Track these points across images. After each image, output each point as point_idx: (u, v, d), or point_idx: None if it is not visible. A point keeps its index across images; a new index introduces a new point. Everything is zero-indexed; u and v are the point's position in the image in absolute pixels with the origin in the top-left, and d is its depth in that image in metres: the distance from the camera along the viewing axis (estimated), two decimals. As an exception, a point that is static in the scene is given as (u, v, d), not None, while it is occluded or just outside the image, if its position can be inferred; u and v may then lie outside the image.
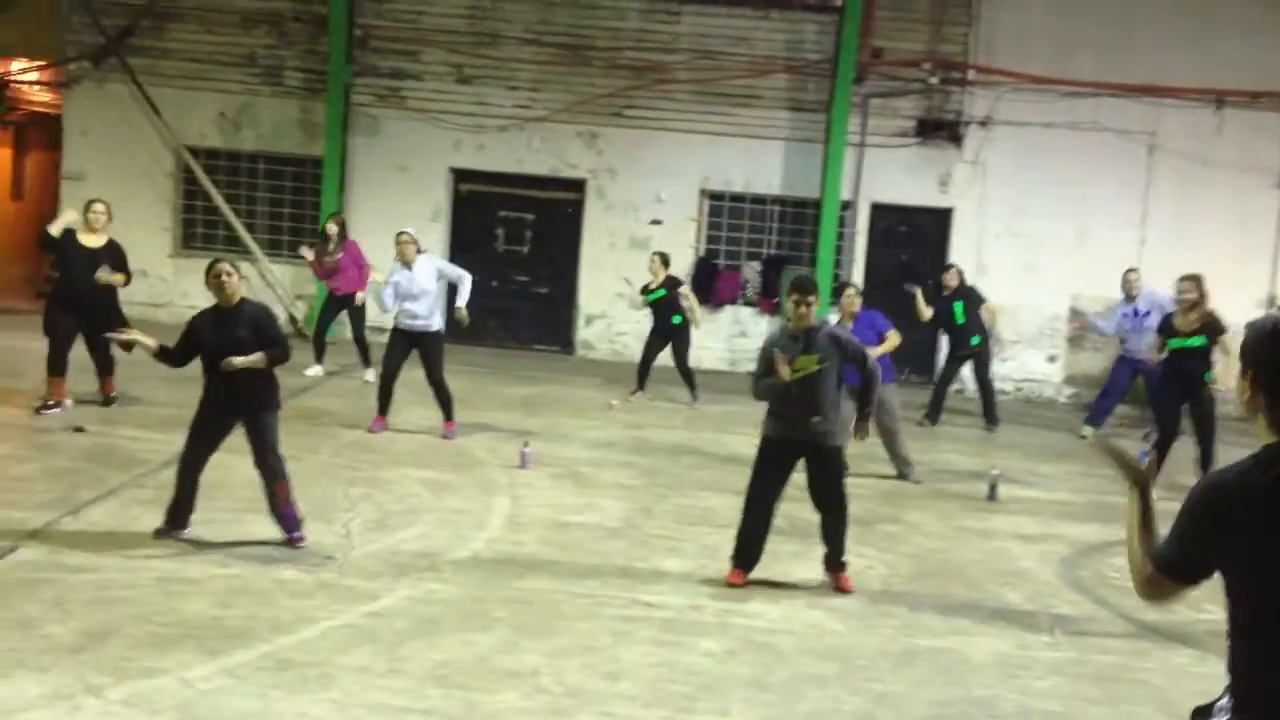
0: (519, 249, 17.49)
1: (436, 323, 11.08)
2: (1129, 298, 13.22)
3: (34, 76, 18.15)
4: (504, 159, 17.08)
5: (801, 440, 7.40)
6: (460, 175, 17.32)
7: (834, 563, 7.59)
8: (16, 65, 18.07)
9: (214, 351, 7.23)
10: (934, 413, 13.85)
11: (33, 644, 5.68)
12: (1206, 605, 7.23)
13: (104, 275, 10.66)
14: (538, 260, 17.50)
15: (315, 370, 13.63)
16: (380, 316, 13.25)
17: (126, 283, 11.00)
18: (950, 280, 13.75)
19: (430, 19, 16.93)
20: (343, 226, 13.96)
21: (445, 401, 11.12)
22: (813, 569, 7.73)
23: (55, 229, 10.79)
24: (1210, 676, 4.11)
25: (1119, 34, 16.11)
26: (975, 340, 13.71)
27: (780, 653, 6.44)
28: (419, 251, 11.19)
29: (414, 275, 10.96)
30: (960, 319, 13.64)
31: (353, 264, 13.65)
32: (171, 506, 7.46)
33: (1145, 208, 16.33)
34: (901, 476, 10.76)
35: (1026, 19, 16.29)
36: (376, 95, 17.03)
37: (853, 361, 7.50)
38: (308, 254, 13.80)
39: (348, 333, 13.97)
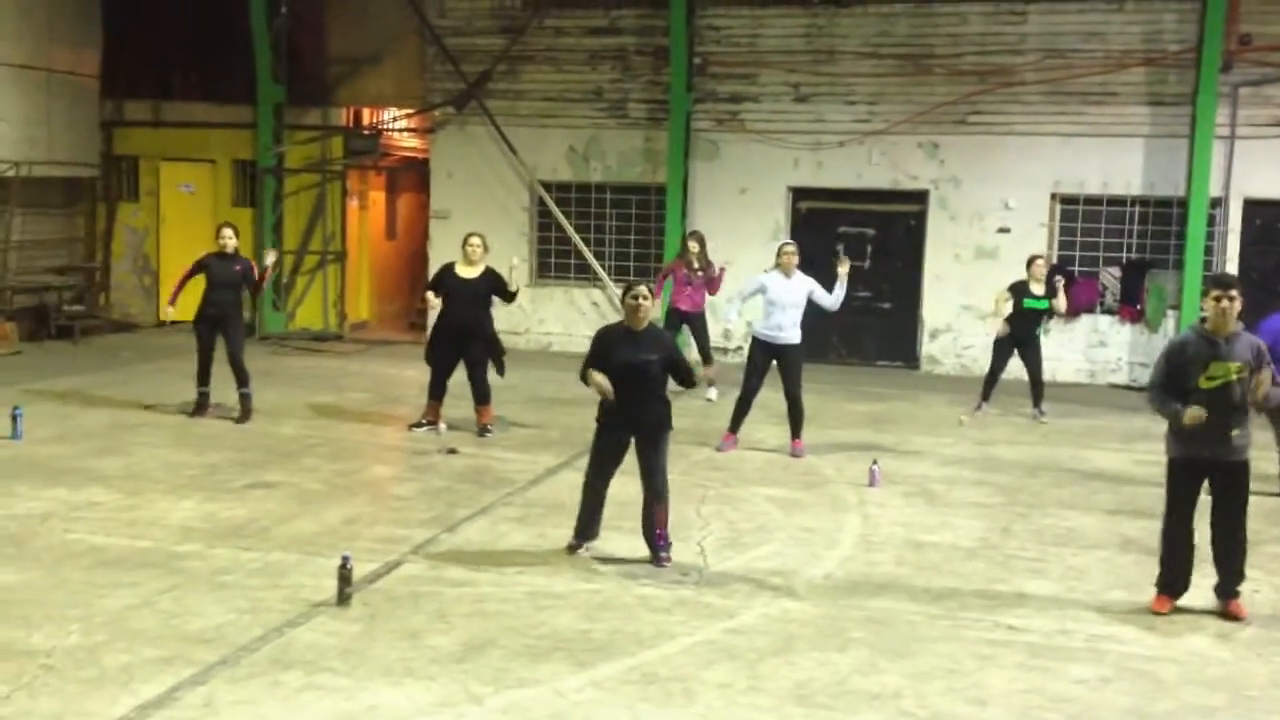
0: (860, 264, 17.28)
1: (798, 336, 11.10)
2: None
3: (403, 124, 19.61)
4: (843, 174, 16.99)
5: (1214, 457, 6.86)
6: (799, 193, 17.35)
7: (1228, 588, 7.05)
8: (388, 114, 19.58)
9: (624, 368, 7.55)
10: None
11: (420, 654, 6.08)
12: None
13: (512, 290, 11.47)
14: (880, 275, 17.27)
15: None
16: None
17: (512, 299, 11.68)
18: None
19: (767, 40, 17.10)
20: (703, 242, 13.99)
21: (798, 418, 11.13)
22: (1190, 593, 7.20)
23: (433, 297, 11.56)
24: None
25: None
26: None
27: (1160, 681, 6.04)
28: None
29: (790, 285, 11.05)
30: None
31: (709, 285, 13.75)
32: (580, 522, 7.85)
33: None
34: (1290, 493, 9.89)
35: None
36: (716, 120, 17.34)
37: (1257, 387, 6.81)
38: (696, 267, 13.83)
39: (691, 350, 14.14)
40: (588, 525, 7.85)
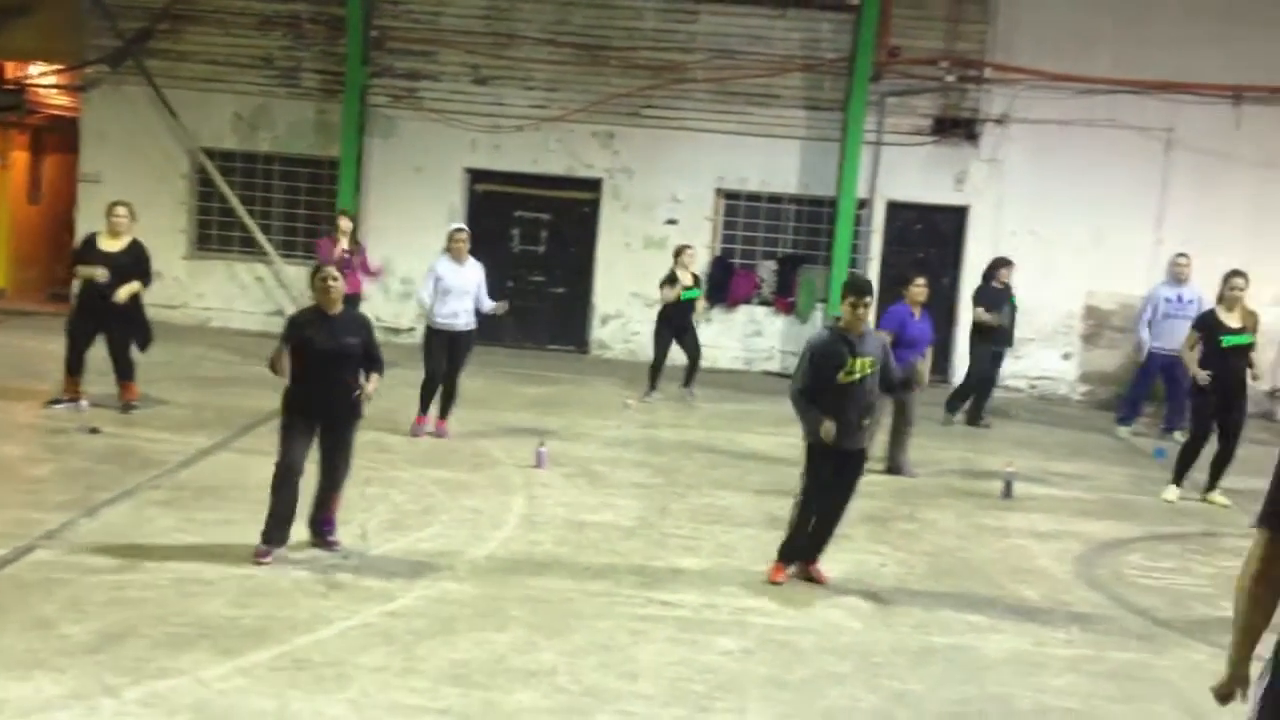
0: (535, 249, 17.49)
1: (474, 322, 11.15)
2: (1177, 282, 13.82)
3: (52, 80, 18.21)
4: (520, 159, 17.08)
5: (843, 445, 7.35)
6: (476, 175, 17.31)
7: (813, 554, 7.63)
8: (35, 69, 18.15)
9: (323, 353, 7.24)
10: (976, 414, 13.80)
11: (50, 645, 5.69)
12: (1222, 602, 7.21)
13: (123, 293, 10.61)
14: (553, 260, 17.50)
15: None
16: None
17: (145, 286, 10.97)
18: (1006, 276, 13.72)
19: (447, 19, 16.94)
20: (354, 226, 13.85)
21: (451, 399, 11.14)
22: (829, 567, 7.70)
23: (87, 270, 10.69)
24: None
25: (1137, 30, 15.99)
26: (1010, 340, 13.89)
27: (798, 651, 6.42)
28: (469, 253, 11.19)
29: (462, 272, 10.98)
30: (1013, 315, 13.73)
31: (362, 266, 13.57)
32: (272, 522, 7.23)
33: (1162, 205, 16.22)
34: (892, 470, 10.72)
35: (1044, 16, 16.18)
36: (393, 96, 17.04)
37: (887, 375, 7.59)
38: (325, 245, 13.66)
39: None
40: (280, 527, 7.25)
